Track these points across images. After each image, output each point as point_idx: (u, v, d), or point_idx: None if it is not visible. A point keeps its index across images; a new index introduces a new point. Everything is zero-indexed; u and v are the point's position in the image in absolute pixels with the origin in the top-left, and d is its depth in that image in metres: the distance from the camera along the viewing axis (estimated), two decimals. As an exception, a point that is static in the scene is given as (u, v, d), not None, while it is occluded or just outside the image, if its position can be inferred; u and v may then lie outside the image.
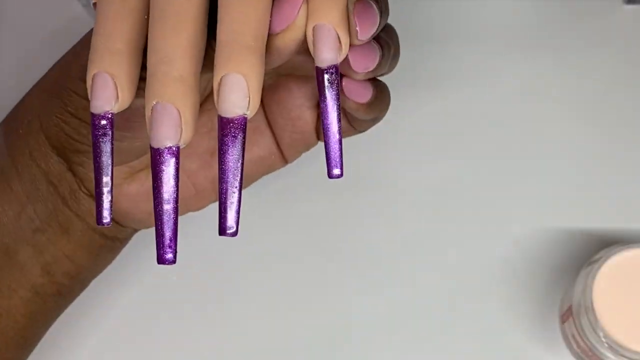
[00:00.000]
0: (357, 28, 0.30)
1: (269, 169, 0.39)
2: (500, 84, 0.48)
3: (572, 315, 0.40)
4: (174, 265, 0.45)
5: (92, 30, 0.35)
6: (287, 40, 0.30)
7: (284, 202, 0.45)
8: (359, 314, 0.44)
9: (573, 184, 0.46)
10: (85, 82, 0.31)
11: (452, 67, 0.48)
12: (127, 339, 0.45)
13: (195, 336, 0.45)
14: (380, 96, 0.35)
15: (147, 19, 0.30)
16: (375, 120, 0.36)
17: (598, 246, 0.44)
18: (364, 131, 0.37)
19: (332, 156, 0.30)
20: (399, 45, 0.35)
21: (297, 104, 0.37)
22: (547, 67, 0.48)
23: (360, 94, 0.34)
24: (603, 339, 0.39)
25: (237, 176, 0.28)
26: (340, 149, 0.30)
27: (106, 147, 0.29)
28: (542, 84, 0.48)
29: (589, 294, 0.39)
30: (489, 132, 0.47)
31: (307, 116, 0.37)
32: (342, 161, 0.30)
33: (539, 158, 0.46)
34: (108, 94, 0.29)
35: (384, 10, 0.32)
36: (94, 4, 0.32)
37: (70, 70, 0.34)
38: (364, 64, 0.32)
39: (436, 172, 0.46)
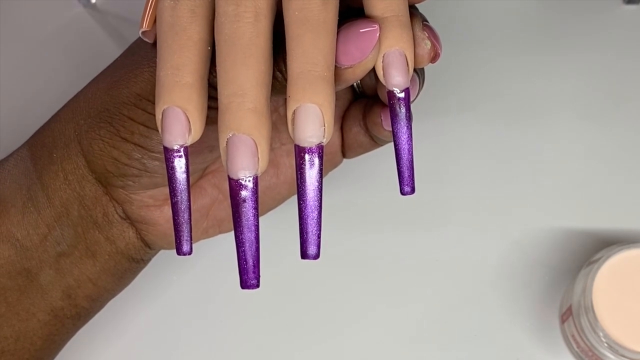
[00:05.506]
0: (439, 51, 0.31)
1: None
2: (500, 84, 0.48)
3: (572, 315, 0.40)
4: (175, 272, 0.44)
5: (126, 53, 0.35)
6: (358, 71, 0.30)
7: (287, 206, 0.45)
8: (359, 315, 0.44)
9: (573, 184, 0.46)
10: (140, 108, 0.32)
11: (452, 66, 0.48)
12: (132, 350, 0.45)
13: (201, 345, 0.45)
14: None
15: (210, 50, 0.30)
16: None
17: (598, 246, 0.44)
18: (383, 145, 0.38)
19: (405, 176, 0.31)
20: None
21: None
22: (547, 67, 0.48)
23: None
24: (603, 339, 0.39)
25: (317, 202, 0.29)
26: (412, 169, 0.31)
27: (182, 178, 0.30)
28: (542, 84, 0.48)
29: (588, 294, 0.39)
30: (488, 132, 0.47)
31: (334, 137, 0.38)
32: (413, 180, 0.31)
33: (539, 158, 0.46)
34: (181, 128, 0.29)
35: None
36: (143, 32, 0.32)
37: (120, 97, 0.33)
38: (413, 93, 0.33)
39: (435, 172, 0.46)
